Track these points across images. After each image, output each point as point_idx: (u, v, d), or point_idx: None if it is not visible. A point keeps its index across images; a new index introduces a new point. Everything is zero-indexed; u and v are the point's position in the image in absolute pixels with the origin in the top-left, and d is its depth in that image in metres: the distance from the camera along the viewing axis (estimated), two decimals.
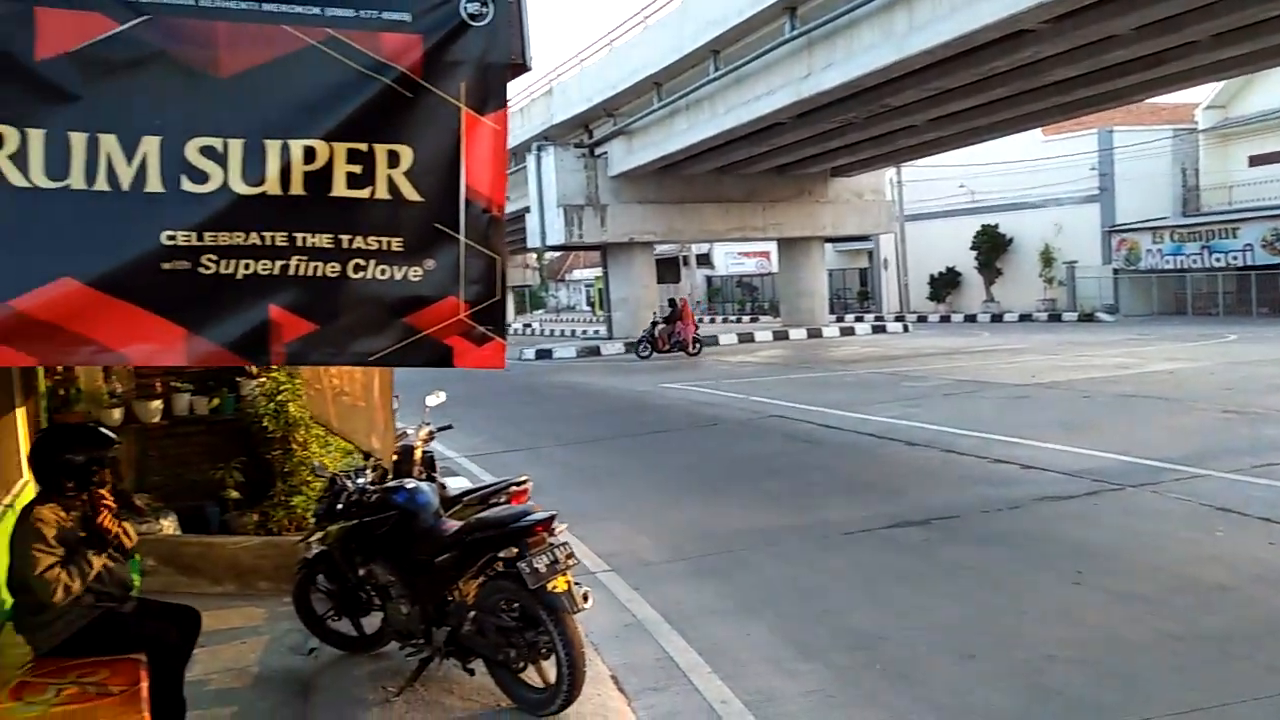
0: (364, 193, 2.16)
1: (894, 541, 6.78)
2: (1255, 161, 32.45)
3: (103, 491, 3.73)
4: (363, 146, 2.15)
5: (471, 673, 4.28)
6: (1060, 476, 8.43)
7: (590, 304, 60.54)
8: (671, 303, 27.52)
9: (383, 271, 2.20)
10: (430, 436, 5.76)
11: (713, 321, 49.83)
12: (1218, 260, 30.66)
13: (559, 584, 3.88)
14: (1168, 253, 32.37)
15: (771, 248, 44.54)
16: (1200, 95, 33.47)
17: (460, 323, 2.27)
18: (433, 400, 5.90)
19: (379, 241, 2.19)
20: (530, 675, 4.10)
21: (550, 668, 3.99)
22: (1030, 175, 35.31)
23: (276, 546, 6.13)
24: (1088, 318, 32.88)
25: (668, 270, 57.28)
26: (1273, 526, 6.55)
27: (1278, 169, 31.09)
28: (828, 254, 38.77)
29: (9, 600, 4.09)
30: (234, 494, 6.57)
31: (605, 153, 29.05)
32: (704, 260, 60.27)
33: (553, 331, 46.83)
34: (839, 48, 17.78)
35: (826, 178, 32.37)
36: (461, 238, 2.25)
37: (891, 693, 4.31)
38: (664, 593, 5.87)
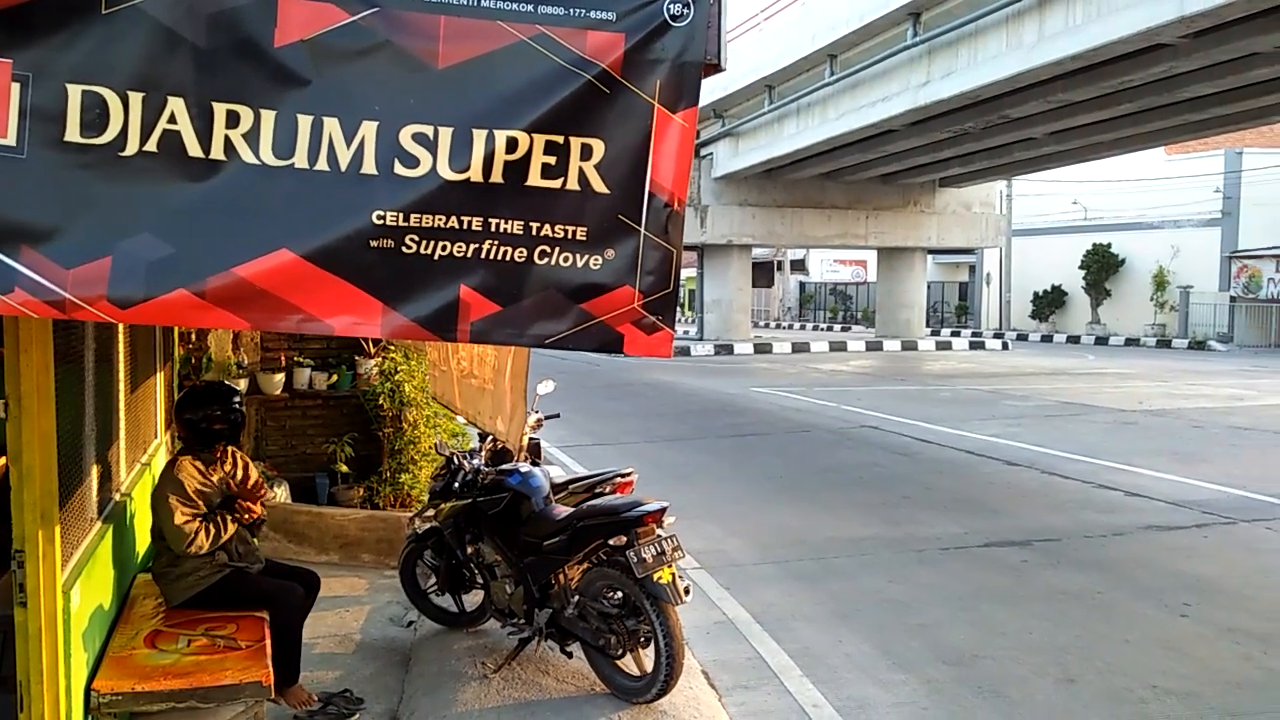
0: (556, 183, 2.26)
1: (991, 560, 6.67)
2: None
3: (243, 455, 3.97)
4: (559, 139, 2.24)
5: (569, 656, 4.40)
6: (1167, 506, 8.16)
7: (681, 304, 60.59)
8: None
9: (566, 259, 2.30)
10: (539, 424, 5.90)
11: (804, 329, 49.38)
12: None
13: (664, 575, 3.95)
14: None
15: (869, 256, 43.96)
16: None
17: (633, 311, 2.35)
18: (543, 389, 6.03)
19: (565, 230, 2.28)
20: (626, 663, 4.18)
21: (647, 657, 4.08)
22: (1148, 194, 33.99)
23: (381, 521, 6.37)
24: (1199, 345, 31.49)
25: (761, 275, 57.01)
26: None
27: None
28: (928, 266, 38.02)
29: (144, 551, 4.39)
30: (344, 468, 6.84)
31: (711, 154, 29.08)
32: (799, 266, 59.77)
33: None
34: (962, 56, 17.43)
35: (934, 187, 31.76)
36: (642, 230, 2.33)
37: (987, 710, 4.27)
38: (755, 594, 5.91)
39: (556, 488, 5.27)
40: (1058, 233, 39.07)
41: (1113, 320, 36.55)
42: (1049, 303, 39.71)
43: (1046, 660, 4.85)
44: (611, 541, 4.09)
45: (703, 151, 29.09)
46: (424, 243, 2.20)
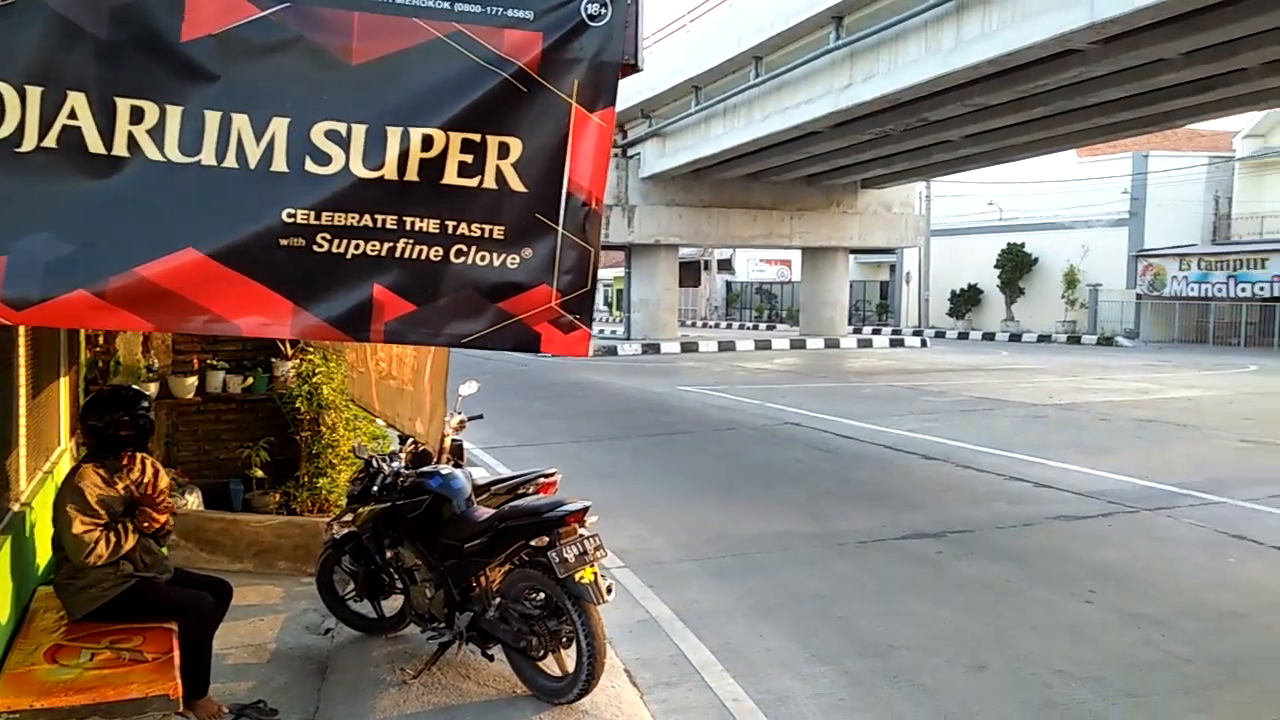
0: (473, 181, 2.26)
1: (908, 552, 6.84)
2: None
3: (153, 461, 3.85)
4: (476, 137, 2.24)
5: (490, 659, 4.37)
6: (1075, 497, 8.46)
7: (608, 303, 60.59)
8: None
9: (483, 258, 2.29)
10: (461, 425, 5.84)
11: (730, 328, 49.85)
12: (1243, 290, 30.46)
13: (586, 575, 3.95)
14: (1193, 280, 32.18)
15: (794, 256, 44.57)
16: (1241, 123, 33.23)
17: (551, 310, 2.36)
18: (466, 390, 5.97)
19: (482, 229, 2.28)
20: (549, 664, 4.18)
21: (569, 657, 4.08)
22: (1060, 196, 35.20)
23: (298, 527, 6.24)
24: (1107, 341, 32.73)
25: (689, 274, 57.36)
26: None
27: None
28: (850, 265, 38.77)
29: (46, 563, 4.23)
30: (259, 473, 6.69)
31: (638, 154, 29.18)
32: (725, 265, 60.33)
33: None
34: (883, 60, 17.80)
35: (856, 189, 32.39)
36: (560, 229, 2.34)
37: (902, 700, 4.38)
38: (678, 591, 5.96)
39: (479, 489, 5.23)
40: (974, 233, 40.20)
41: (1026, 317, 37.77)
42: (966, 301, 40.87)
43: (959, 649, 4.99)
44: (533, 542, 4.07)
45: (630, 151, 29.19)
46: (336, 241, 2.17)
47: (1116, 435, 12.04)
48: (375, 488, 4.66)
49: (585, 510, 4.07)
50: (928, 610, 5.62)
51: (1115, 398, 16.01)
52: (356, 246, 2.19)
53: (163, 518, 3.87)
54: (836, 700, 4.38)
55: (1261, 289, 29.89)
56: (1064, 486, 8.89)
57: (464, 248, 2.28)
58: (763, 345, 31.83)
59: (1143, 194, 34.39)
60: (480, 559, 4.19)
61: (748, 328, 49.50)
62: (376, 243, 2.21)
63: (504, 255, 2.31)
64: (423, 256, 2.25)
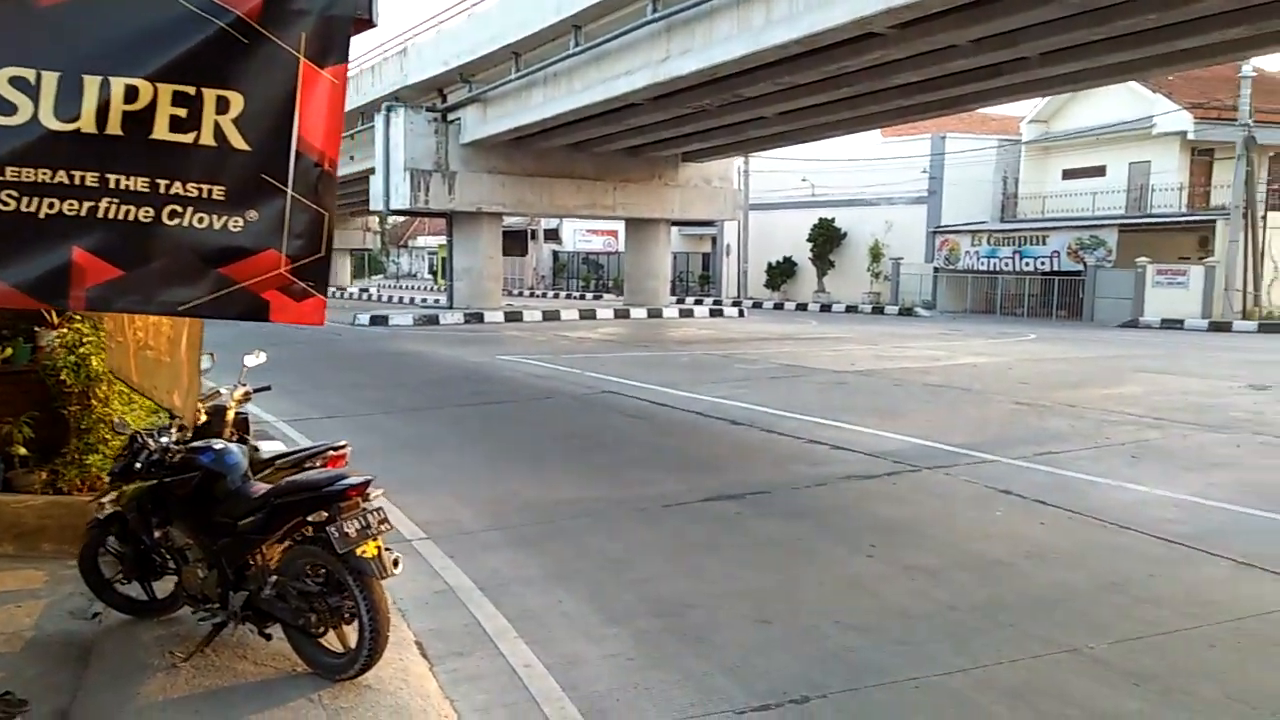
0: (187, 137, 2.10)
1: (709, 514, 7.05)
2: (1067, 175, 35.15)
3: None
4: (190, 90, 2.08)
5: (268, 638, 4.20)
6: (866, 457, 8.97)
7: (433, 272, 59.31)
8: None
9: (200, 220, 2.13)
10: (246, 398, 5.54)
11: (557, 297, 49.81)
12: (1027, 265, 33.04)
13: (369, 549, 3.85)
14: (984, 255, 34.63)
15: (620, 227, 44.87)
16: (1026, 109, 35.92)
17: (280, 276, 2.22)
18: (252, 360, 5.68)
19: (199, 189, 2.12)
20: (331, 640, 4.05)
21: (353, 633, 3.97)
22: (867, 174, 37.03)
23: (65, 506, 5.79)
24: (907, 312, 34.85)
25: (515, 243, 56.82)
26: (1045, 509, 7.20)
27: (1086, 183, 33.79)
28: (673, 237, 39.51)
29: None
30: (22, 450, 6.13)
31: (458, 119, 28.47)
32: (552, 235, 60.10)
33: (391, 298, 45.66)
34: (698, 35, 18.07)
35: (678, 162, 32.88)
36: (289, 190, 2.20)
37: (688, 656, 4.52)
38: (480, 561, 5.91)
39: (263, 464, 5.00)
40: (790, 208, 41.75)
41: (836, 289, 39.68)
42: (781, 273, 42.52)
43: (748, 605, 5.20)
44: (311, 518, 3.93)
45: (450, 116, 28.46)
46: (26, 199, 1.98)
47: (908, 399, 12.84)
48: (138, 464, 4.36)
49: (367, 484, 3.96)
50: (721, 569, 5.82)
51: (910, 364, 17.06)
52: (51, 205, 2.01)
53: None
54: (626, 660, 4.47)
55: (1043, 263, 32.50)
56: (858, 448, 9.40)
57: (179, 208, 2.13)
58: (587, 315, 31.97)
59: (940, 173, 36.66)
60: (256, 536, 4.01)
61: (575, 297, 49.59)
62: (75, 201, 2.03)
63: (225, 217, 2.17)
64: (130, 217, 2.08)
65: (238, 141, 2.14)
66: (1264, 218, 28.41)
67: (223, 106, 2.12)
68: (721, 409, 11.83)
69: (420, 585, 5.39)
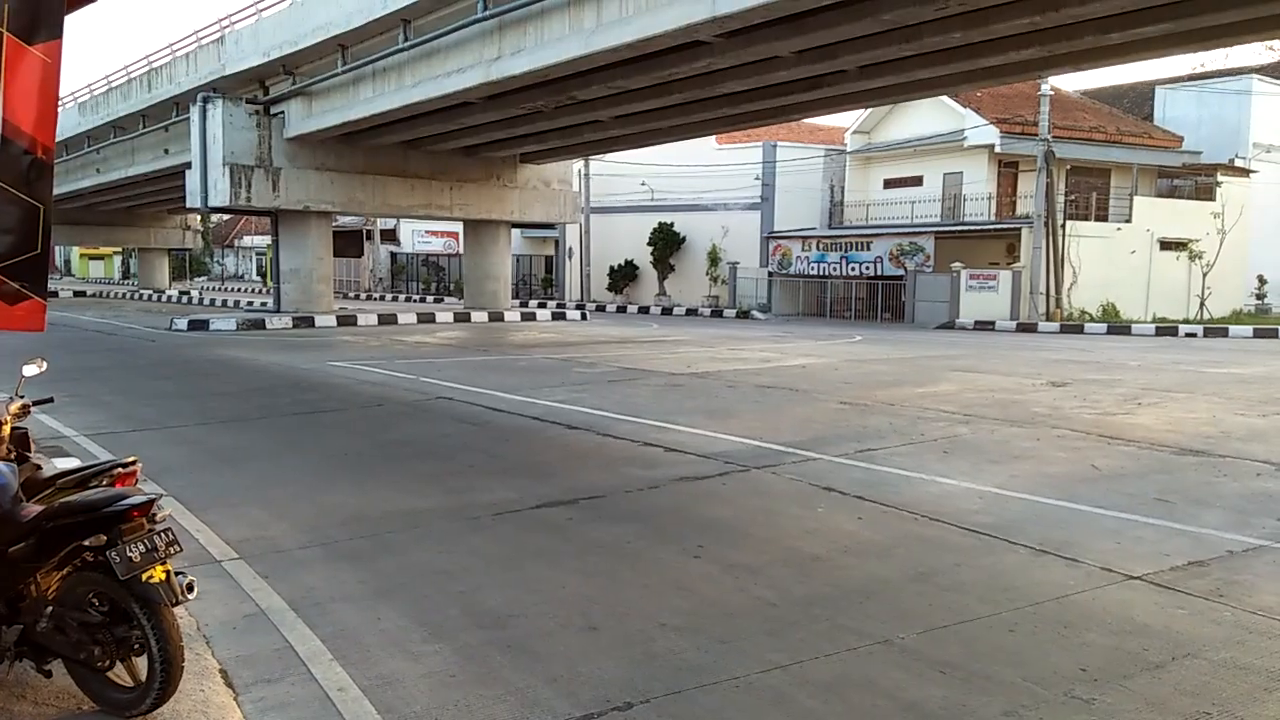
0: None
1: (540, 521, 6.98)
2: (889, 184, 37.01)
3: None
4: None
5: (48, 675, 3.84)
6: (698, 459, 9.12)
7: (262, 274, 56.57)
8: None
9: None
10: (24, 411, 5.05)
11: (396, 300, 48.49)
12: (854, 270, 34.60)
13: (156, 574, 3.57)
14: (814, 260, 36.03)
15: (460, 228, 44.20)
16: (850, 121, 37.62)
17: None
18: (30, 370, 5.17)
19: None
20: (120, 674, 3.74)
21: (143, 665, 3.68)
22: (704, 179, 37.87)
23: None
24: (744, 315, 35.85)
25: (349, 244, 54.97)
26: (863, 504, 7.51)
27: (905, 192, 35.68)
28: (515, 240, 39.26)
29: None
30: None
31: (282, 112, 27.27)
32: (389, 236, 58.49)
33: (214, 301, 43.27)
34: (530, 35, 17.96)
35: (516, 164, 32.63)
36: None
37: (512, 668, 4.43)
38: (295, 580, 5.62)
39: (43, 484, 4.56)
40: (631, 211, 42.19)
41: (677, 292, 40.39)
42: (623, 276, 42.89)
43: (574, 612, 5.15)
44: (89, 542, 3.61)
45: (273, 109, 27.22)
46: None
47: (740, 401, 13.16)
48: None
49: (153, 502, 3.67)
50: (550, 576, 5.75)
51: (743, 366, 17.51)
52: None
53: None
54: (447, 677, 4.34)
55: (867, 269, 34.11)
56: (691, 450, 9.54)
57: None
58: (426, 318, 31.27)
59: (773, 181, 37.91)
60: (28, 564, 3.65)
61: (414, 300, 48.43)
62: None
63: None
64: None
65: None
66: (1063, 226, 30.78)
67: None
68: (558, 413, 11.78)
69: (229, 609, 5.07)
